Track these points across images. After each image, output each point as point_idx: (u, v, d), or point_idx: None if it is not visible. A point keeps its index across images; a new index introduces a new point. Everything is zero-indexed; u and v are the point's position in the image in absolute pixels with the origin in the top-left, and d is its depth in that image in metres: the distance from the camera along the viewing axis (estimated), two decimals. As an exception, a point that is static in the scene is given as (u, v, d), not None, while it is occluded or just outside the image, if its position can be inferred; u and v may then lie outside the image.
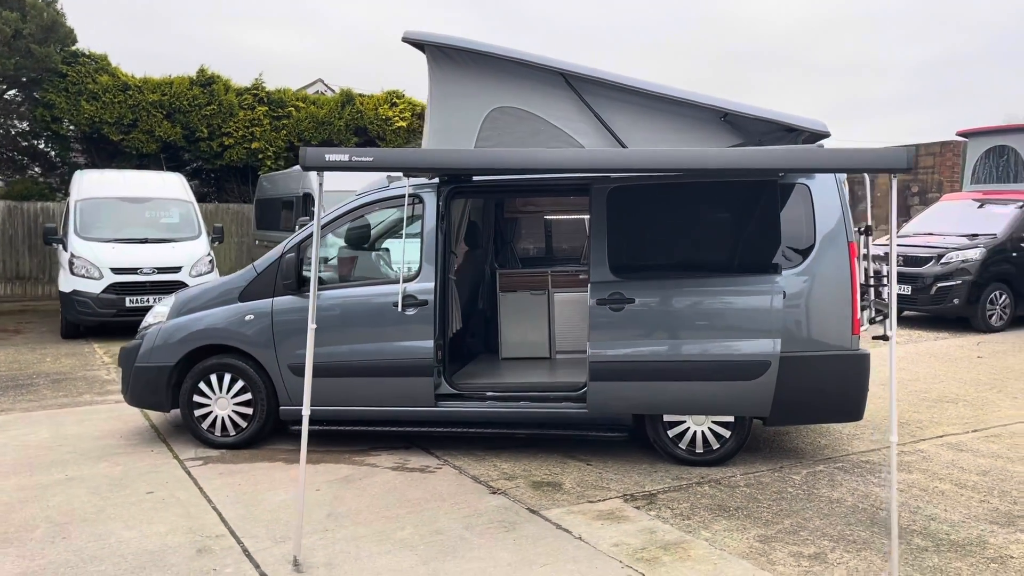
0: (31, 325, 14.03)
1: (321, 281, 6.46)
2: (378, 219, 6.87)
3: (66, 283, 12.25)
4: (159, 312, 6.84)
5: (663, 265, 5.95)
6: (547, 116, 6.03)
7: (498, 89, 6.03)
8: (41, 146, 20.07)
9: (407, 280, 6.21)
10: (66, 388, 8.90)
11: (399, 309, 6.13)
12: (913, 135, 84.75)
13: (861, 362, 5.80)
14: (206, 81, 19.39)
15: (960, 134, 15.38)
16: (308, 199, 14.66)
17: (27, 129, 19.47)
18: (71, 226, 12.77)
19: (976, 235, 12.99)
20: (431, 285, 6.21)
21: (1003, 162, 14.31)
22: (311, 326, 4.48)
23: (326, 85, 28.46)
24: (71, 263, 12.25)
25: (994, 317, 12.68)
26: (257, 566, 4.35)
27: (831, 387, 5.84)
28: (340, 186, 7.26)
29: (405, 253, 6.35)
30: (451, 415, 6.27)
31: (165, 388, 6.55)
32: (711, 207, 6.03)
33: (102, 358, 10.72)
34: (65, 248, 12.63)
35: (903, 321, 13.33)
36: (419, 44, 6.07)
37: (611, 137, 5.99)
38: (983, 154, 14.70)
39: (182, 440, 6.71)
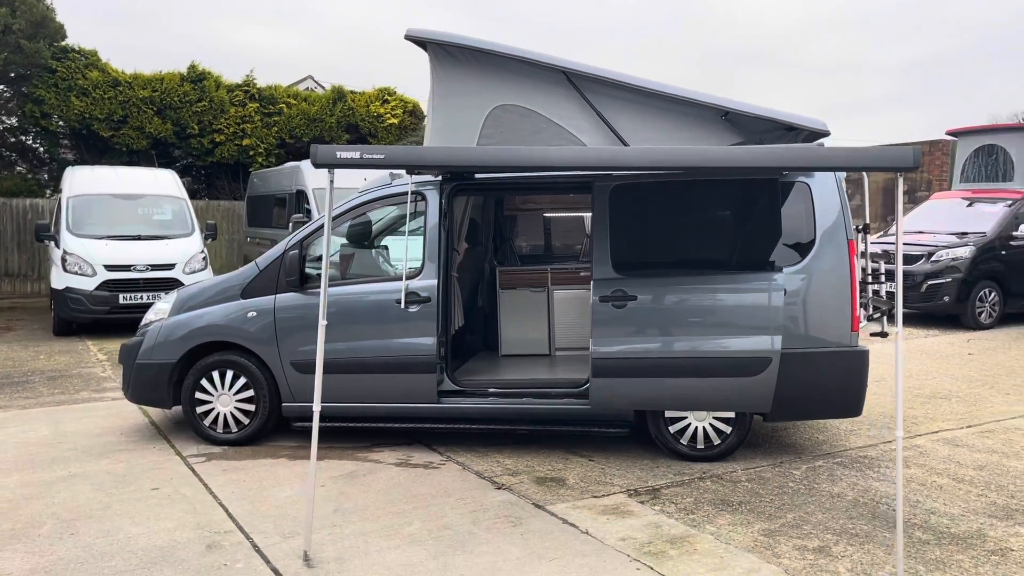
0: (22, 322, 13.95)
1: (323, 278, 6.48)
2: (381, 216, 6.89)
3: (59, 280, 12.19)
4: (160, 309, 6.83)
5: (665, 263, 6.01)
6: (549, 114, 6.06)
7: (500, 87, 6.05)
8: (30, 142, 19.93)
9: (410, 277, 6.24)
10: (62, 385, 8.87)
11: (402, 306, 6.15)
12: (898, 135, 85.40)
13: (860, 358, 5.88)
14: (197, 77, 19.32)
15: (949, 133, 15.53)
16: (301, 196, 14.64)
17: (16, 125, 19.32)
18: (63, 223, 12.71)
19: (966, 233, 13.13)
20: (434, 282, 6.24)
21: (992, 161, 14.46)
22: (322, 322, 4.50)
23: (316, 82, 28.42)
24: (64, 260, 12.18)
25: (983, 314, 12.83)
26: (268, 561, 4.37)
27: (831, 383, 5.91)
28: (341, 183, 7.23)
29: (408, 250, 6.37)
30: (453, 411, 6.31)
31: (167, 385, 6.54)
32: (713, 205, 6.09)
33: (96, 355, 10.68)
34: (57, 245, 12.55)
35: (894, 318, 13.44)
36: (421, 42, 6.08)
37: (612, 135, 6.03)
38: (972, 153, 14.85)
39: (183, 437, 6.71)
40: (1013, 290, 13.02)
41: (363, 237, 6.80)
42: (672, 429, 6.08)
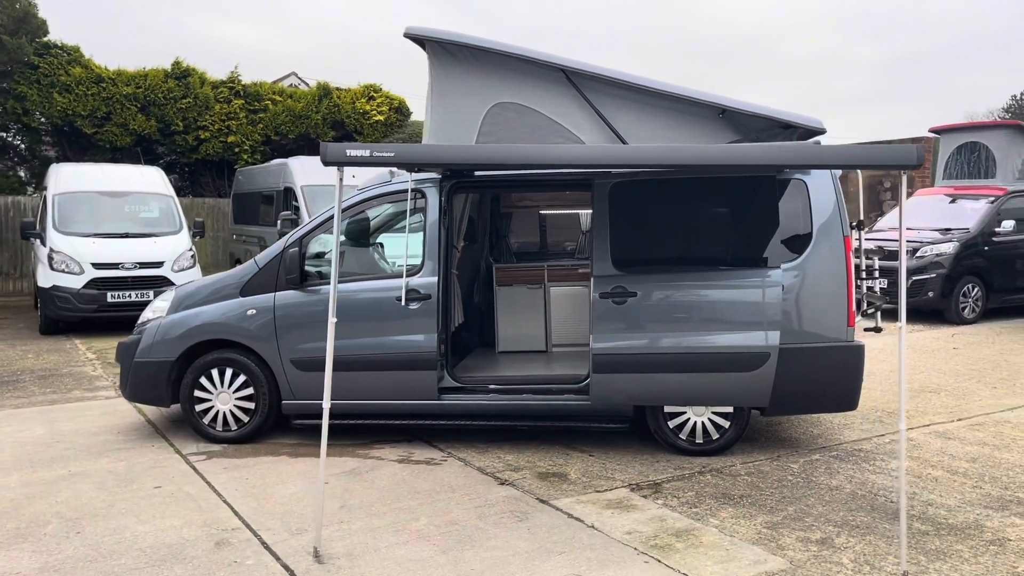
0: (7, 321, 13.81)
1: (323, 276, 6.49)
2: (380, 213, 6.90)
3: (45, 278, 12.08)
4: (158, 307, 6.81)
5: (665, 259, 6.06)
6: (547, 112, 6.08)
7: (499, 85, 6.06)
8: (11, 139, 19.72)
9: (410, 274, 6.26)
10: (54, 384, 8.81)
11: (402, 303, 6.17)
12: (876, 132, 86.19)
13: (856, 353, 5.97)
14: (181, 74, 19.20)
15: (932, 130, 15.73)
16: (290, 193, 14.60)
17: (-4, 122, 19.15)
18: (49, 220, 12.59)
19: (949, 230, 13.32)
20: (434, 280, 6.26)
21: (974, 158, 14.67)
22: (331, 320, 4.54)
23: (300, 78, 28.32)
24: (51, 258, 12.07)
25: (967, 310, 13.02)
26: (278, 558, 4.39)
27: (828, 378, 6.00)
28: (332, 181, 7.25)
29: (408, 247, 6.38)
30: (454, 408, 6.34)
31: (166, 383, 6.53)
32: (711, 202, 6.15)
33: (85, 354, 10.60)
34: (44, 243, 12.44)
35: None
36: (420, 40, 6.09)
37: (610, 132, 6.08)
38: (955, 150, 15.06)
39: (181, 435, 6.69)
40: (996, 285, 13.23)
41: (363, 234, 6.81)
42: (671, 424, 6.15)
